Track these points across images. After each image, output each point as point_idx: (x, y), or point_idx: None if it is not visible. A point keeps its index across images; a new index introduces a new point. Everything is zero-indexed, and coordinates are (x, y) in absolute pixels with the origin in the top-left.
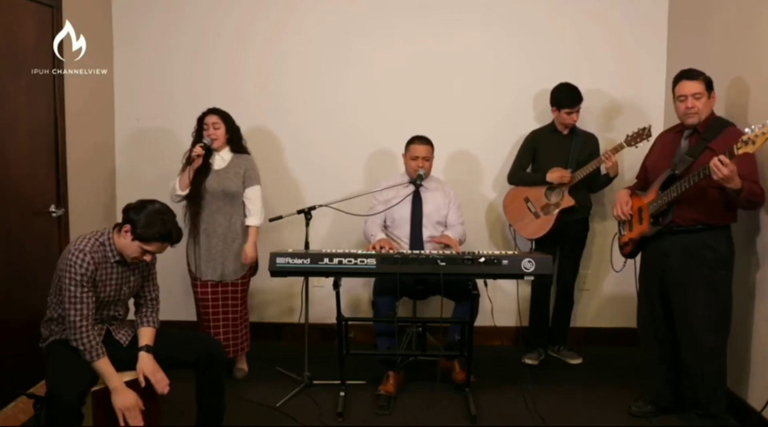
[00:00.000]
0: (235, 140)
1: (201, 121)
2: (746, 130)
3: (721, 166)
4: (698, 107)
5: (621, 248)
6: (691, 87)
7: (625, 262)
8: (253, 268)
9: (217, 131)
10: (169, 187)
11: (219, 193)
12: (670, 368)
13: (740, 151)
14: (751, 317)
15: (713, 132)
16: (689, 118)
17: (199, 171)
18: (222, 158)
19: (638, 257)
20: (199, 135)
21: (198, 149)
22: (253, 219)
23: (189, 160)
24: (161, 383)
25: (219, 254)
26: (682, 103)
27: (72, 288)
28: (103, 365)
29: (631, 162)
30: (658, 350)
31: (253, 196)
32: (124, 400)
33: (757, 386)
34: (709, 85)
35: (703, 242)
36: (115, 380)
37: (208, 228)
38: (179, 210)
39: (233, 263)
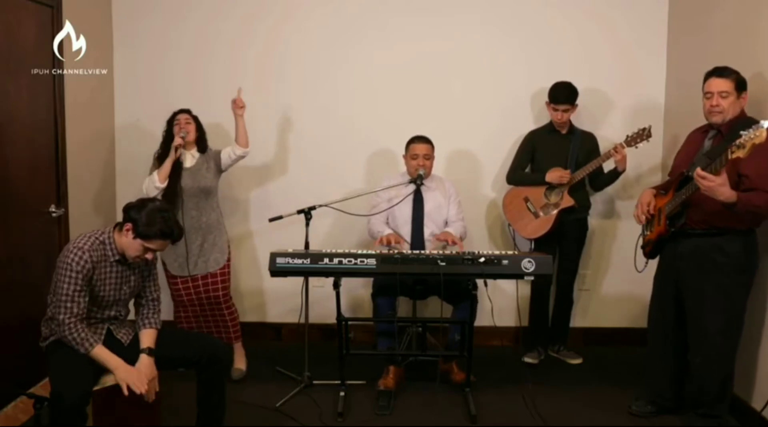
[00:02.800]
0: (203, 140)
1: (171, 121)
2: (742, 133)
3: (700, 180)
4: (723, 106)
5: (643, 248)
6: (718, 84)
7: (646, 262)
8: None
9: (188, 125)
10: (145, 186)
11: (195, 189)
12: (675, 368)
13: (733, 156)
14: (762, 320)
15: (737, 133)
16: (713, 117)
17: (173, 169)
18: (192, 156)
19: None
20: (167, 134)
21: (179, 139)
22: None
23: (160, 157)
24: (150, 392)
25: (198, 249)
26: (707, 101)
27: (65, 286)
28: (100, 351)
29: (632, 164)
30: (663, 350)
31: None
32: (127, 375)
33: (763, 389)
34: (740, 84)
35: (715, 246)
36: (114, 360)
37: (186, 225)
38: None
39: (213, 254)
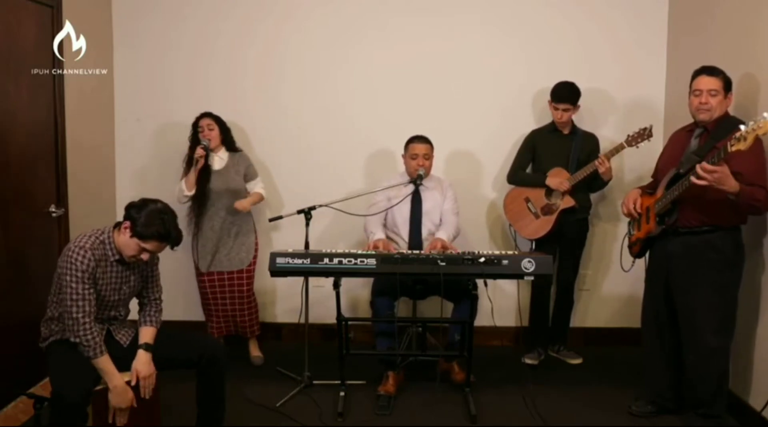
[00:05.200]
0: (229, 140)
1: (195, 125)
2: (741, 127)
3: (703, 174)
4: (711, 104)
5: (630, 247)
6: (708, 83)
7: (633, 261)
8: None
9: (211, 132)
10: (174, 191)
11: (224, 191)
12: (672, 368)
13: (733, 149)
14: (756, 319)
15: (723, 131)
16: (701, 114)
17: (201, 173)
18: (220, 158)
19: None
20: (195, 138)
21: (200, 151)
22: (259, 187)
23: (189, 163)
24: (147, 388)
25: (224, 247)
26: (696, 98)
27: (73, 285)
28: (105, 362)
29: (632, 164)
30: (660, 350)
31: (257, 185)
32: (120, 400)
33: (760, 388)
34: (727, 84)
35: (707, 243)
36: (116, 378)
37: (215, 225)
38: (182, 211)
39: (239, 253)
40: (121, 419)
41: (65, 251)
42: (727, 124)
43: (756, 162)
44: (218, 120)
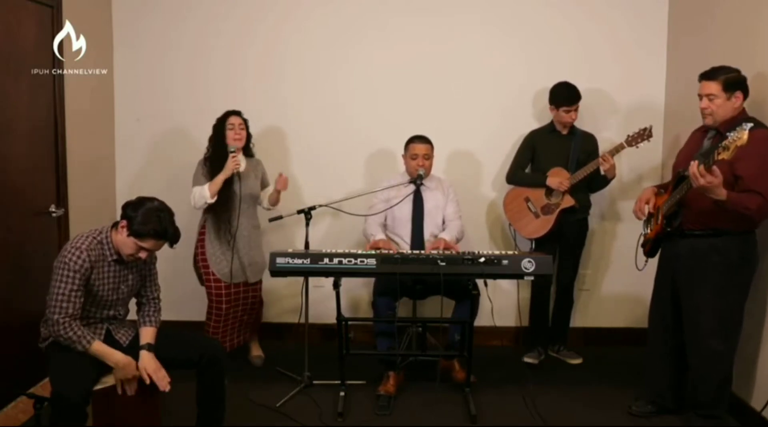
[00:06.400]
0: (249, 144)
1: (222, 122)
2: (728, 134)
3: (698, 176)
4: (712, 109)
5: (643, 246)
6: (706, 87)
7: (646, 261)
8: None
9: (242, 132)
10: (193, 195)
11: (246, 197)
12: (674, 368)
13: (719, 158)
14: (762, 321)
15: None
16: (705, 119)
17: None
18: (240, 162)
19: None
20: (219, 137)
21: (237, 161)
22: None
23: (212, 163)
24: (163, 381)
25: (246, 256)
26: (700, 103)
27: (62, 285)
28: (98, 346)
29: (632, 164)
30: (663, 350)
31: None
32: (125, 372)
33: (761, 388)
34: (729, 85)
35: (711, 246)
36: (115, 355)
37: (236, 232)
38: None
39: (257, 263)
40: (130, 388)
41: (62, 251)
42: (738, 125)
43: (760, 167)
44: (246, 121)
